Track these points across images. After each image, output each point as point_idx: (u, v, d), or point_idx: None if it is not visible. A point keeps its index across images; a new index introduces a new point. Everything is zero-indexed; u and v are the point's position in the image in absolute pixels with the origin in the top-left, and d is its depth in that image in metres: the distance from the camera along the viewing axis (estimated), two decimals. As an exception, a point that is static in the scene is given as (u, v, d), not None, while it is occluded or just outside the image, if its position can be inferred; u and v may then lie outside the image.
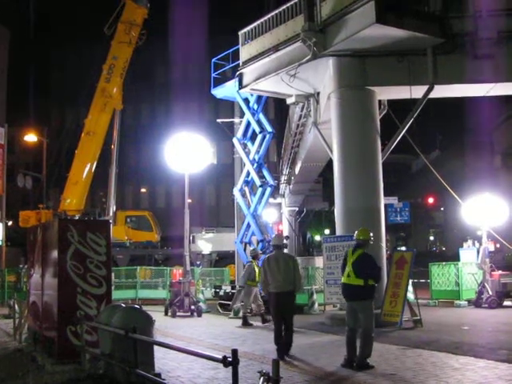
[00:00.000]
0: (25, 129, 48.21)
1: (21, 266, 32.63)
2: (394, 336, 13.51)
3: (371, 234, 10.46)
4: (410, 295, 17.37)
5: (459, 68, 16.79)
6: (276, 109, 54.83)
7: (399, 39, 15.78)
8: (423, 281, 22.74)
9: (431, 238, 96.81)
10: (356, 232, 10.43)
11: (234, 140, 24.94)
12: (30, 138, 45.53)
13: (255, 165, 24.01)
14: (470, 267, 21.10)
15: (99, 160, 29.64)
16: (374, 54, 16.58)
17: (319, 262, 22.00)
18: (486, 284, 19.69)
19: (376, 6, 14.74)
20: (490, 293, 19.45)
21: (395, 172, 73.35)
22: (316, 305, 19.86)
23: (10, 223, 54.38)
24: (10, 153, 47.56)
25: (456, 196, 19.16)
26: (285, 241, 13.02)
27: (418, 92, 16.86)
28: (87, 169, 28.92)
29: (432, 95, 16.94)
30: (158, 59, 62.64)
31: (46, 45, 68.81)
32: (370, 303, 10.06)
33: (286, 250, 12.94)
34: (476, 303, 19.81)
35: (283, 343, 11.08)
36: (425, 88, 16.69)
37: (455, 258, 23.35)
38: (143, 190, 66.38)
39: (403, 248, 19.36)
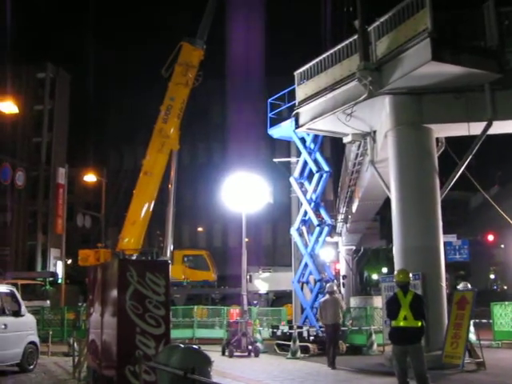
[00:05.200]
0: (84, 169, 49.24)
1: (80, 304, 33.09)
2: (456, 379, 13.15)
3: (411, 275, 10.32)
4: (472, 336, 16.91)
5: (518, 103, 16.53)
6: (332, 147, 54.82)
7: (456, 76, 15.64)
8: (485, 321, 22.14)
9: (492, 276, 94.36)
10: (395, 273, 10.30)
11: (291, 179, 24.94)
12: (90, 178, 46.41)
13: (312, 204, 23.92)
14: (534, 307, 20.49)
15: (157, 199, 29.95)
16: (431, 92, 16.48)
17: (377, 301, 21.70)
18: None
19: (431, 44, 14.69)
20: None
21: (453, 209, 72.17)
22: (375, 345, 19.54)
23: (69, 261, 55.37)
24: (70, 193, 48.58)
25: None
26: (335, 287, 14.71)
27: (476, 128, 16.63)
28: (145, 208, 29.21)
29: (491, 131, 16.68)
30: (214, 99, 63.53)
31: (105, 87, 70.59)
32: (422, 345, 9.93)
33: (342, 290, 13.26)
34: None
35: None
36: (483, 124, 16.45)
37: (518, 296, 22.72)
38: (200, 229, 66.81)
39: (461, 286, 18.83)
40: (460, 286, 18.85)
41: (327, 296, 17.74)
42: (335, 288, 19.61)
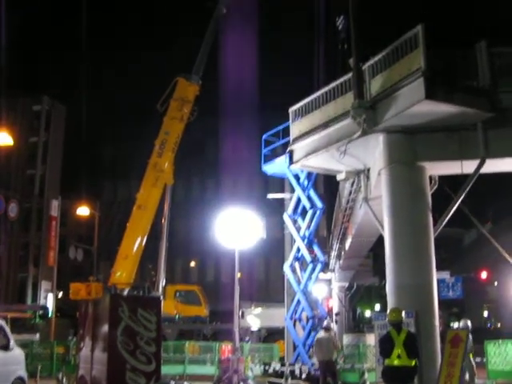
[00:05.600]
0: (77, 201, 49.21)
1: (70, 338, 32.76)
2: (450, 419, 13.02)
3: (403, 314, 10.29)
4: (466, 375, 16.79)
5: (511, 141, 16.63)
6: (326, 183, 54.93)
7: (449, 114, 15.77)
8: (479, 360, 21.99)
9: (485, 313, 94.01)
10: (388, 312, 10.28)
11: (285, 216, 24.95)
12: (83, 211, 46.34)
13: (305, 240, 23.92)
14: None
15: (150, 234, 29.85)
16: (424, 130, 16.58)
17: (370, 339, 21.56)
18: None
19: (425, 83, 14.82)
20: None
21: (446, 246, 72.07)
22: (367, 384, 19.39)
23: (60, 295, 55.00)
24: (63, 225, 48.48)
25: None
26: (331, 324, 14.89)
27: (469, 167, 16.69)
28: (138, 243, 29.08)
29: (484, 169, 16.74)
30: (209, 134, 63.75)
31: (100, 120, 70.87)
32: None
33: (335, 327, 13.35)
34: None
35: None
36: (476, 162, 16.52)
37: (511, 334, 22.61)
38: (192, 263, 66.57)
39: (461, 323, 18.85)
40: (460, 324, 18.82)
41: (322, 333, 17.85)
42: (332, 325, 19.77)
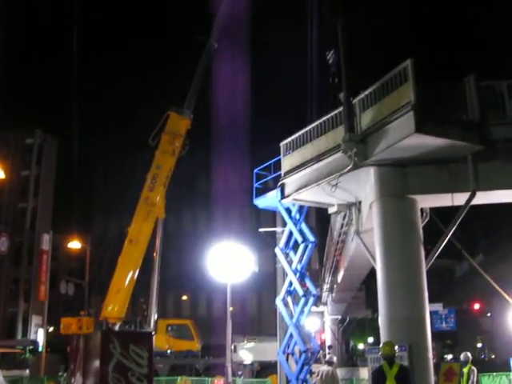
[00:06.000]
0: (69, 235, 49.04)
1: (60, 373, 32.40)
2: None
3: (396, 348, 10.26)
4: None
5: (501, 174, 16.70)
6: (317, 216, 54.99)
7: (439, 147, 15.87)
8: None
9: (479, 345, 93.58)
10: (381, 345, 10.26)
11: (277, 250, 24.92)
12: (74, 244, 46.18)
13: (297, 274, 23.86)
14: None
15: (141, 267, 29.77)
16: (415, 163, 16.66)
17: (364, 372, 21.45)
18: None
19: (415, 116, 14.94)
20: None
21: (439, 277, 72.02)
22: (361, 418, 19.28)
23: (50, 329, 54.51)
24: (54, 259, 48.31)
25: (508, 298, 18.65)
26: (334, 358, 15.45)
27: (459, 199, 16.77)
28: (129, 276, 28.98)
29: (474, 202, 16.82)
30: (201, 167, 63.95)
31: (92, 153, 71.16)
32: None
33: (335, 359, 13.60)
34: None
35: None
36: (467, 195, 16.59)
37: (505, 366, 22.50)
38: (184, 297, 66.27)
39: (462, 356, 18.83)
40: (461, 357, 18.79)
41: (325, 366, 18.00)
42: (334, 359, 19.80)
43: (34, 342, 50.90)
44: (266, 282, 46.31)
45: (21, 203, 72.81)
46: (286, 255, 24.77)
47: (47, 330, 45.88)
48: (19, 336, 66.55)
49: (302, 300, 23.32)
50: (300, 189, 19.39)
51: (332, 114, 18.01)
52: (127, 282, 28.93)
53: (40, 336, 53.38)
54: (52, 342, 47.40)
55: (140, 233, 29.02)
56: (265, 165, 24.52)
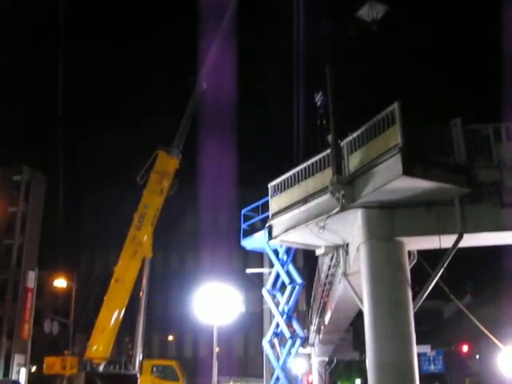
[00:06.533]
0: (54, 272, 48.71)
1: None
2: None
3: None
4: None
5: (488, 216, 16.73)
6: (305, 257, 54.99)
7: (426, 190, 15.93)
8: None
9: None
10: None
11: (264, 291, 24.81)
12: (60, 282, 45.84)
13: (284, 316, 23.72)
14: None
15: (127, 307, 29.55)
16: (402, 205, 16.70)
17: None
18: None
19: (402, 159, 15.01)
20: None
21: (426, 319, 71.73)
22: None
23: (33, 369, 53.71)
24: (39, 297, 47.86)
25: (496, 341, 18.56)
26: None
27: (447, 241, 16.76)
28: (115, 316, 28.76)
29: (462, 244, 16.83)
30: (188, 207, 63.94)
31: (79, 190, 71.17)
32: None
33: None
34: None
35: None
36: (454, 237, 16.59)
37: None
38: (170, 337, 65.66)
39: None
40: None
41: None
42: None
43: (16, 382, 50.03)
44: (253, 322, 46.05)
45: (7, 240, 72.32)
46: (273, 297, 24.67)
47: (30, 370, 45.12)
48: (1, 375, 65.47)
49: (289, 342, 23.15)
50: (288, 230, 19.34)
51: (320, 155, 18.08)
52: (113, 322, 28.71)
53: (22, 376, 52.58)
54: (34, 383, 46.64)
55: (126, 272, 28.90)
56: (253, 206, 24.53)
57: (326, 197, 17.02)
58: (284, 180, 19.70)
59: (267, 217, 20.73)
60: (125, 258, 29.13)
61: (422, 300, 17.37)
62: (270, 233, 20.39)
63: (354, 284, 19.10)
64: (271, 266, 25.09)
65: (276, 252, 24.15)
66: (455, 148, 16.61)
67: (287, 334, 23.20)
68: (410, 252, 18.38)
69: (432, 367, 41.21)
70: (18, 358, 65.40)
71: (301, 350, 30.50)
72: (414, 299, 17.12)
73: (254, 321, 41.10)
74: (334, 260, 22.61)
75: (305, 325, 31.88)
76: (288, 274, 23.99)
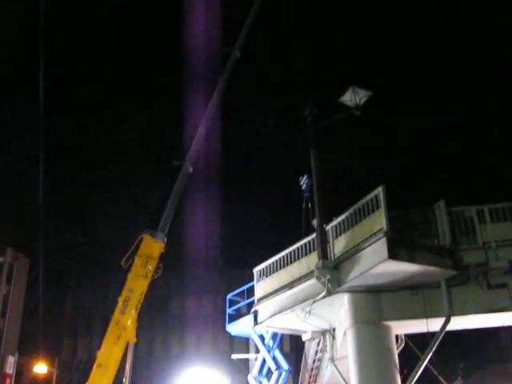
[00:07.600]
0: (35, 357, 47.59)
1: None
2: None
3: None
4: None
5: (474, 298, 16.71)
6: (292, 342, 54.28)
7: (412, 273, 15.93)
8: None
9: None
10: None
11: (249, 377, 24.37)
12: (40, 368, 44.73)
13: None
14: None
15: (110, 393, 28.83)
16: (388, 289, 16.66)
17: None
18: None
19: (387, 243, 15.07)
20: None
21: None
22: None
23: None
24: (18, 383, 46.53)
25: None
26: None
27: (434, 324, 16.66)
28: (97, 403, 27.99)
29: (450, 327, 16.72)
30: (173, 290, 63.37)
31: (61, 274, 70.49)
32: None
33: None
34: None
35: None
36: (441, 320, 16.51)
37: None
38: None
39: None
40: None
41: None
42: None
43: None
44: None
45: (-13, 323, 70.94)
46: (260, 383, 24.19)
47: None
48: None
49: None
50: (274, 315, 19.18)
51: (305, 240, 18.13)
52: (95, 410, 27.90)
53: None
54: None
55: (109, 357, 28.23)
56: (238, 291, 24.35)
57: (311, 281, 16.95)
58: (269, 264, 19.66)
59: (253, 302, 20.57)
60: (108, 343, 28.43)
61: (411, 384, 17.11)
62: (255, 318, 20.18)
63: (342, 369, 18.85)
64: (257, 350, 24.72)
65: (262, 337, 23.83)
66: (439, 230, 16.76)
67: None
68: (397, 336, 18.23)
69: None
70: None
71: None
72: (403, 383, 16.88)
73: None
74: (320, 345, 22.32)
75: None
76: (274, 359, 23.61)
